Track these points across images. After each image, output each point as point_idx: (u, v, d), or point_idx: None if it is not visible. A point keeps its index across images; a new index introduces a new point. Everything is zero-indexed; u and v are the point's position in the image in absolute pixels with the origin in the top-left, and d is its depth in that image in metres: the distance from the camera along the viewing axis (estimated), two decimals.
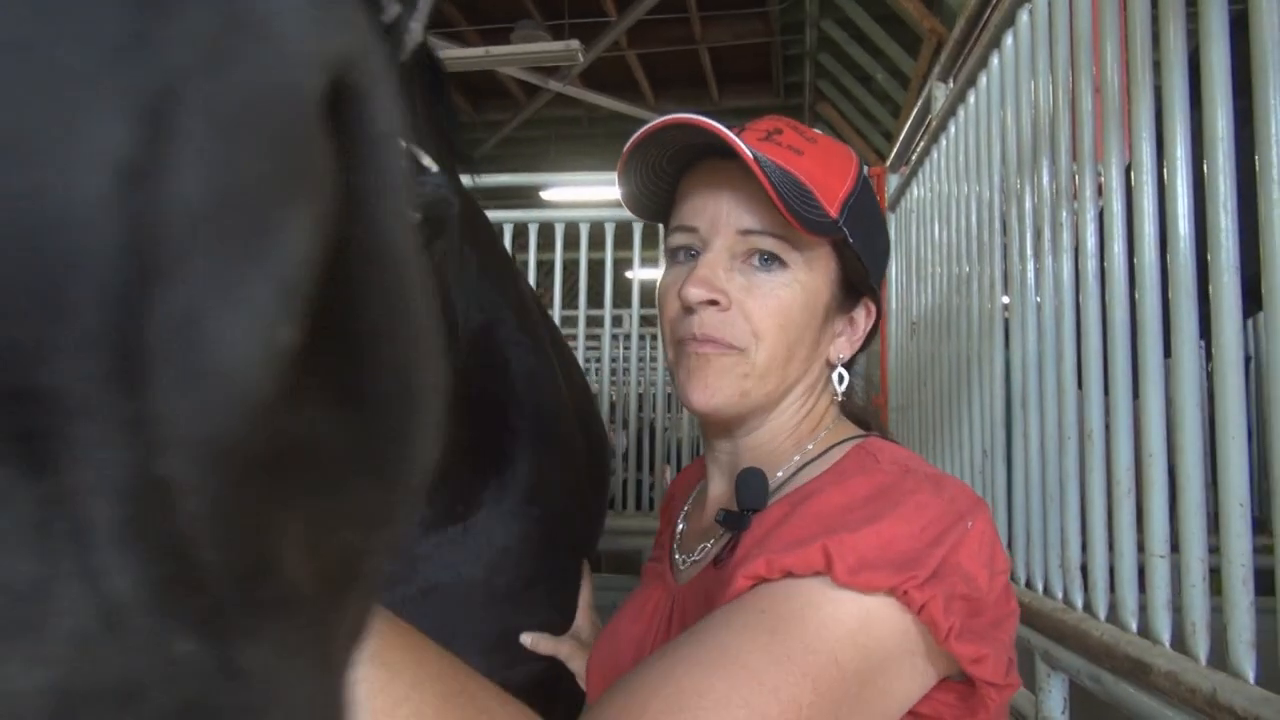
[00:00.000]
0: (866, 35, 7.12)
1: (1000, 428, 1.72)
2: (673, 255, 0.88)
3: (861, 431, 0.88)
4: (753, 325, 0.81)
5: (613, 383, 4.43)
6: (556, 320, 3.22)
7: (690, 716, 0.59)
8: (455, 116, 1.03)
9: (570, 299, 3.57)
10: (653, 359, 3.72)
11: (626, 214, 3.13)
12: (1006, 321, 1.71)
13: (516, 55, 6.51)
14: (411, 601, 0.84)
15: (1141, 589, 1.16)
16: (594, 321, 3.26)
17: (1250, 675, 0.92)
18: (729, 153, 0.79)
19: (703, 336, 0.81)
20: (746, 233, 0.82)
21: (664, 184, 0.89)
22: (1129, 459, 1.19)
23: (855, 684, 0.64)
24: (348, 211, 0.21)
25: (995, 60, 1.76)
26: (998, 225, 1.77)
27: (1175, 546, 1.07)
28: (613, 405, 4.28)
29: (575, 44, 6.24)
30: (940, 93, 2.22)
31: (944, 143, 2.18)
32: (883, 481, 0.73)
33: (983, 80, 1.85)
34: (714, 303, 0.81)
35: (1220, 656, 0.97)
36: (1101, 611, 1.27)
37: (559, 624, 1.14)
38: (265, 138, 0.18)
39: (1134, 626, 1.18)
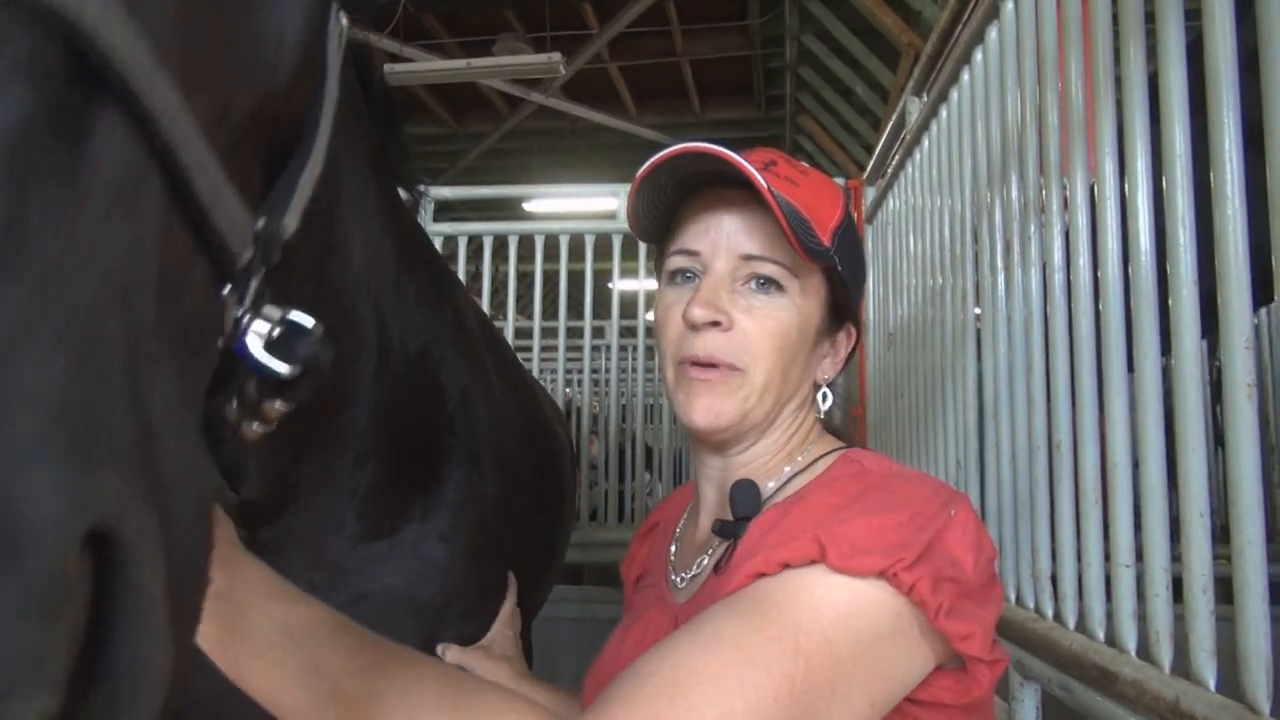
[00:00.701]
0: (846, 49, 7.19)
1: (974, 438, 1.74)
2: (671, 277, 0.92)
3: (843, 444, 0.93)
4: (751, 347, 0.86)
5: (594, 394, 4.43)
6: (536, 332, 3.22)
7: (685, 691, 0.64)
8: (405, 148, 1.11)
9: (551, 310, 3.57)
10: (635, 371, 3.72)
11: (606, 225, 3.16)
12: (979, 333, 1.73)
13: (498, 67, 6.53)
14: (340, 610, 0.88)
15: (1109, 598, 1.18)
16: (574, 333, 3.26)
17: (1211, 683, 0.93)
18: (732, 181, 0.84)
19: (705, 357, 0.86)
20: (749, 258, 0.87)
21: (664, 208, 0.93)
22: (1094, 470, 1.21)
23: (849, 663, 0.68)
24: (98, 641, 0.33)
25: (966, 75, 1.79)
26: (969, 238, 1.79)
27: (1141, 556, 1.09)
28: (594, 417, 4.28)
29: (557, 56, 6.27)
30: (914, 106, 2.24)
31: (918, 156, 2.20)
32: (870, 481, 0.78)
33: (954, 95, 1.87)
34: (717, 323, 0.85)
35: (1184, 664, 0.98)
36: (1071, 621, 1.28)
37: (481, 636, 1.16)
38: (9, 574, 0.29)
39: (1101, 635, 1.20)
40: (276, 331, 0.53)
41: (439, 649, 1.08)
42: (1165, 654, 1.02)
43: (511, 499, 1.28)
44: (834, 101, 8.14)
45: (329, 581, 1.04)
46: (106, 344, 0.35)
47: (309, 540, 1.02)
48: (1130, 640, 1.11)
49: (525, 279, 3.51)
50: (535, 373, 3.46)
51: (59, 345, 0.32)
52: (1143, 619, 1.08)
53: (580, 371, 3.44)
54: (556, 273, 3.16)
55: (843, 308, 0.92)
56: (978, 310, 1.73)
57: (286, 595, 0.71)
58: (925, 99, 2.12)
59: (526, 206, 8.08)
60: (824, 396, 0.94)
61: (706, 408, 0.86)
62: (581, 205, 5.96)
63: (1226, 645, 0.92)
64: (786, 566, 0.72)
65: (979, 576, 0.73)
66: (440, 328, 1.19)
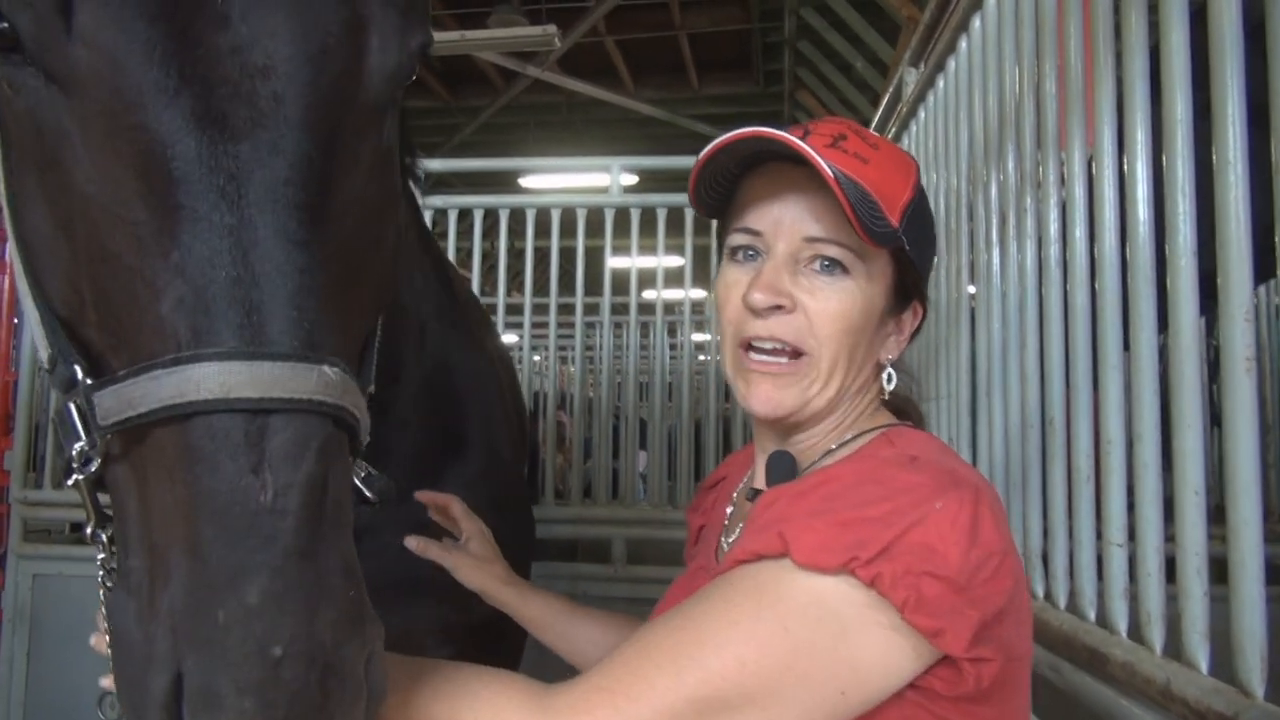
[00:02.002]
0: (845, 22, 7.10)
1: (966, 415, 1.71)
2: (732, 254, 0.90)
3: (893, 421, 0.92)
4: (815, 329, 0.84)
5: (588, 370, 4.41)
6: (527, 308, 3.19)
7: (646, 663, 0.73)
8: (415, 154, 1.25)
9: (543, 286, 3.54)
10: (628, 348, 3.69)
11: (599, 199, 3.11)
12: (973, 312, 1.70)
13: (493, 40, 6.44)
14: (375, 555, 1.04)
15: (1100, 577, 1.16)
16: (566, 309, 3.23)
17: (1203, 666, 0.91)
18: (794, 157, 0.82)
19: (768, 336, 0.85)
20: (812, 240, 0.85)
21: (727, 182, 0.91)
22: (1089, 446, 1.18)
23: (806, 649, 0.70)
24: None
25: (964, 44, 1.75)
26: (964, 213, 1.75)
27: (1134, 535, 1.06)
28: (587, 397, 4.25)
29: (552, 29, 6.18)
30: (911, 77, 2.20)
31: (914, 128, 2.16)
32: (868, 470, 0.78)
33: (951, 64, 1.83)
34: (779, 307, 0.84)
35: (1176, 646, 0.96)
36: (1061, 600, 1.27)
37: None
38: None
39: (1092, 616, 1.18)
40: (363, 474, 0.73)
41: (410, 541, 1.14)
42: (1157, 635, 1.00)
43: (506, 450, 1.46)
44: (833, 76, 8.05)
45: (373, 529, 1.17)
46: (354, 563, 0.62)
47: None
48: (1121, 621, 1.09)
49: (518, 255, 3.46)
50: (526, 349, 3.42)
51: (348, 579, 0.60)
52: (1134, 599, 1.06)
53: (572, 349, 3.41)
54: (549, 249, 3.12)
55: (909, 286, 0.90)
56: (972, 289, 1.70)
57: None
58: (922, 69, 2.08)
59: (522, 182, 8.02)
60: (889, 378, 0.91)
61: (765, 397, 0.86)
62: (575, 181, 5.91)
63: (1219, 627, 0.90)
64: (759, 556, 0.75)
65: (971, 571, 0.70)
66: (449, 305, 1.34)
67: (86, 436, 0.62)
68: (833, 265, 0.85)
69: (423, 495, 1.18)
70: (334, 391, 0.61)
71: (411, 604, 1.16)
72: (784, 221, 0.85)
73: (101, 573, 0.71)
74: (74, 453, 0.62)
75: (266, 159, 0.60)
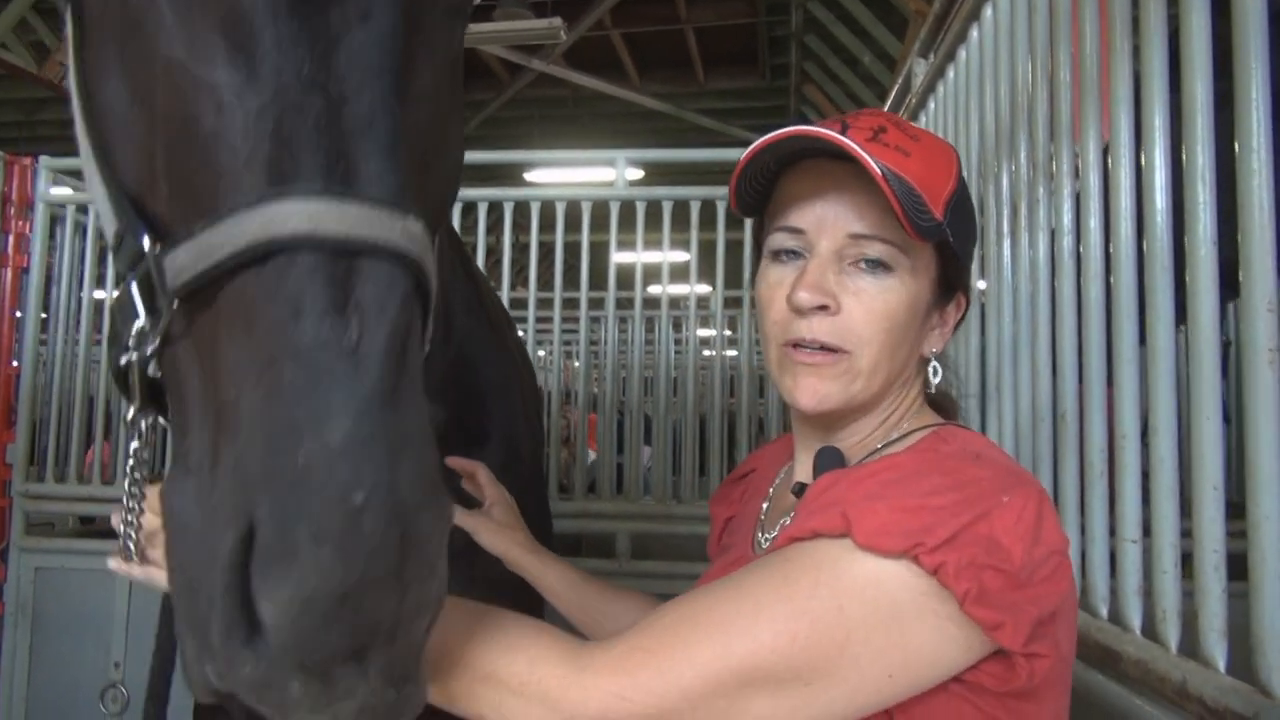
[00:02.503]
0: (853, 16, 7.06)
1: (976, 410, 1.69)
2: (775, 255, 0.89)
3: (940, 420, 0.91)
4: (859, 330, 0.83)
5: (593, 366, 4.39)
6: (531, 303, 3.17)
7: (691, 629, 0.71)
8: None
9: (547, 281, 3.52)
10: (633, 343, 3.67)
11: (603, 193, 3.09)
12: (983, 306, 1.68)
13: (498, 33, 6.42)
14: None
15: (1113, 574, 1.13)
16: (570, 304, 3.21)
17: (1221, 664, 0.89)
18: (836, 153, 0.81)
19: (811, 340, 0.84)
20: (856, 237, 0.83)
21: (766, 180, 0.90)
22: (1102, 441, 1.16)
23: (860, 630, 0.69)
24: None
25: (975, 33, 1.72)
26: (975, 205, 1.73)
27: (1148, 531, 1.04)
28: (591, 392, 4.23)
29: (558, 22, 6.15)
30: (920, 68, 2.17)
31: (923, 120, 2.14)
32: (934, 460, 0.77)
33: (962, 55, 1.80)
34: (824, 307, 0.83)
35: (1191, 644, 0.94)
36: None
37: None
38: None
39: (1104, 613, 1.16)
40: None
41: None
42: (1172, 633, 0.98)
43: (524, 432, 1.48)
44: (840, 71, 8.00)
45: None
46: (429, 429, 0.58)
47: None
48: (1135, 618, 1.07)
49: (522, 249, 3.45)
50: (530, 345, 3.41)
51: (424, 440, 0.57)
52: (1148, 596, 1.04)
53: (577, 343, 3.39)
54: (553, 243, 3.10)
55: (953, 279, 0.89)
56: (982, 284, 1.68)
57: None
58: (932, 59, 2.05)
59: (527, 177, 7.99)
60: (934, 371, 0.91)
61: (811, 390, 0.85)
62: (580, 175, 5.88)
63: (1237, 625, 0.88)
64: (818, 534, 0.74)
65: (1032, 568, 0.71)
66: (474, 300, 1.36)
67: (149, 313, 0.59)
68: (877, 265, 0.84)
69: (452, 461, 1.19)
70: (418, 246, 0.59)
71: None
72: (827, 219, 0.84)
73: (131, 462, 0.68)
74: (132, 333, 0.60)
75: (356, 23, 0.60)
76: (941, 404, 0.94)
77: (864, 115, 0.87)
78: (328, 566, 0.50)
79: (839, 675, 0.70)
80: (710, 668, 0.69)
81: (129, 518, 0.71)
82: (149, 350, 0.60)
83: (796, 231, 0.86)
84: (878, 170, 0.78)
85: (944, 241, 0.85)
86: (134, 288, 0.60)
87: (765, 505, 1.00)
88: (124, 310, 0.61)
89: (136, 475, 0.68)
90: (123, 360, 0.62)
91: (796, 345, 0.85)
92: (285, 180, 0.56)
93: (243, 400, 0.54)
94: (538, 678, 0.71)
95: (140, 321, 0.60)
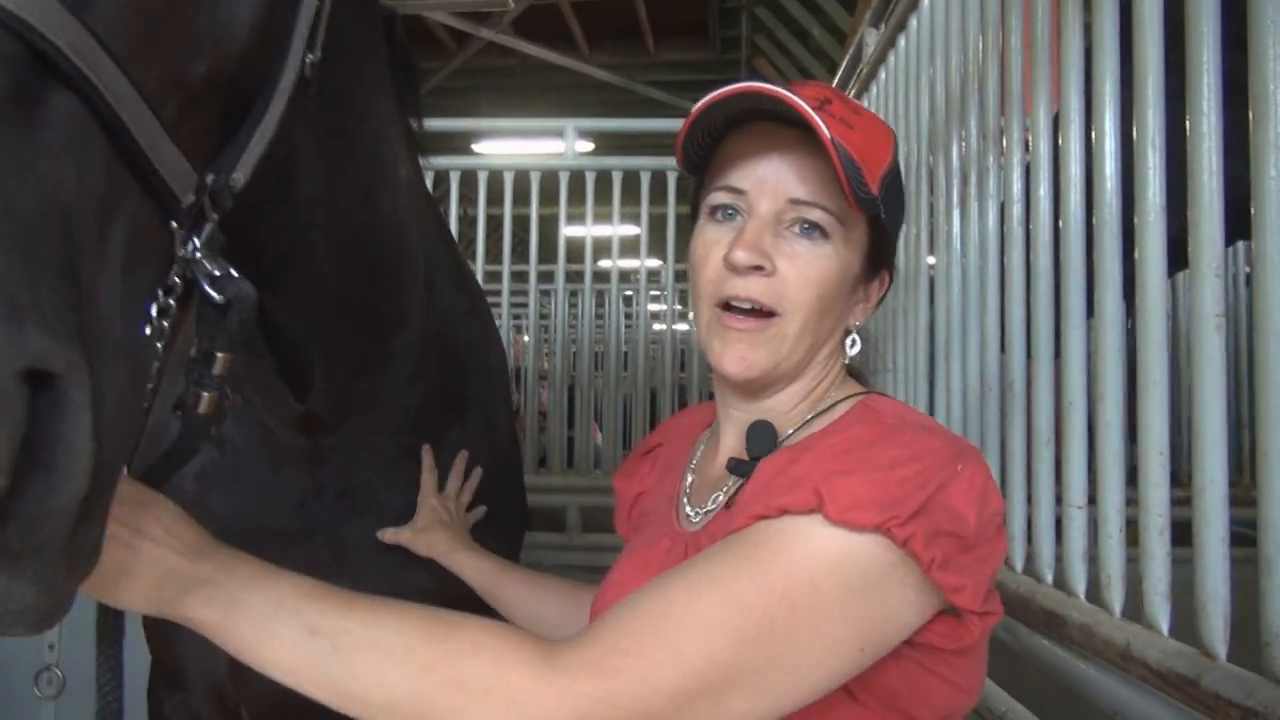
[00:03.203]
0: None
1: (924, 380, 1.70)
2: (711, 213, 0.89)
3: (863, 389, 0.93)
4: (791, 294, 0.84)
5: (543, 340, 4.35)
6: (480, 276, 3.11)
7: (671, 624, 0.69)
8: (421, 114, 1.31)
9: (494, 254, 3.45)
10: (582, 318, 3.63)
11: (553, 164, 3.03)
12: (932, 277, 1.68)
13: None
14: (372, 513, 1.16)
15: (1058, 541, 1.15)
16: (519, 277, 3.16)
17: (1164, 627, 0.90)
18: (782, 117, 0.81)
19: (745, 297, 0.84)
20: (796, 202, 0.84)
21: (711, 140, 0.90)
22: (1049, 409, 1.17)
23: (836, 608, 0.70)
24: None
25: (926, 2, 1.71)
26: (924, 177, 1.73)
27: (1093, 499, 1.05)
28: (541, 367, 4.19)
29: None
30: (872, 38, 2.16)
31: (874, 90, 2.13)
32: (880, 431, 0.79)
33: (913, 23, 1.79)
34: (760, 268, 0.84)
35: (1135, 609, 0.95)
36: (1019, 563, 1.26)
37: (492, 546, 1.30)
38: None
39: (1049, 578, 1.17)
40: (218, 274, 0.67)
41: (383, 533, 1.24)
42: (1116, 597, 0.99)
43: (498, 419, 1.47)
44: (790, 44, 8.00)
45: (373, 485, 1.23)
46: (42, 241, 0.49)
47: (366, 447, 1.18)
48: (1080, 583, 1.09)
49: (470, 222, 3.38)
50: None
51: (4, 246, 0.46)
52: (1092, 561, 1.05)
53: (526, 318, 3.35)
54: (501, 215, 3.05)
55: (881, 255, 0.92)
56: (931, 260, 1.68)
57: (269, 573, 0.75)
58: (883, 29, 2.04)
59: (475, 148, 7.85)
60: (853, 343, 0.93)
61: (739, 357, 0.86)
62: (530, 146, 5.78)
63: (1181, 590, 0.89)
64: (786, 512, 0.73)
65: (981, 531, 0.74)
66: (455, 271, 1.37)
67: None
68: (813, 229, 0.85)
69: (389, 536, 1.25)
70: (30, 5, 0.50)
71: (404, 567, 1.22)
72: (769, 181, 0.85)
73: None
74: None
75: None
76: (857, 374, 0.96)
77: (809, 85, 0.87)
78: None
79: (816, 657, 0.70)
80: (693, 665, 0.68)
81: None
82: None
83: (737, 191, 0.86)
84: (827, 134, 0.78)
85: (876, 216, 0.86)
86: None
87: (689, 479, 0.99)
88: None
89: None
90: None
91: (728, 306, 0.86)
92: None
93: None
94: (505, 682, 0.67)
95: None
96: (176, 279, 0.64)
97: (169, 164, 0.59)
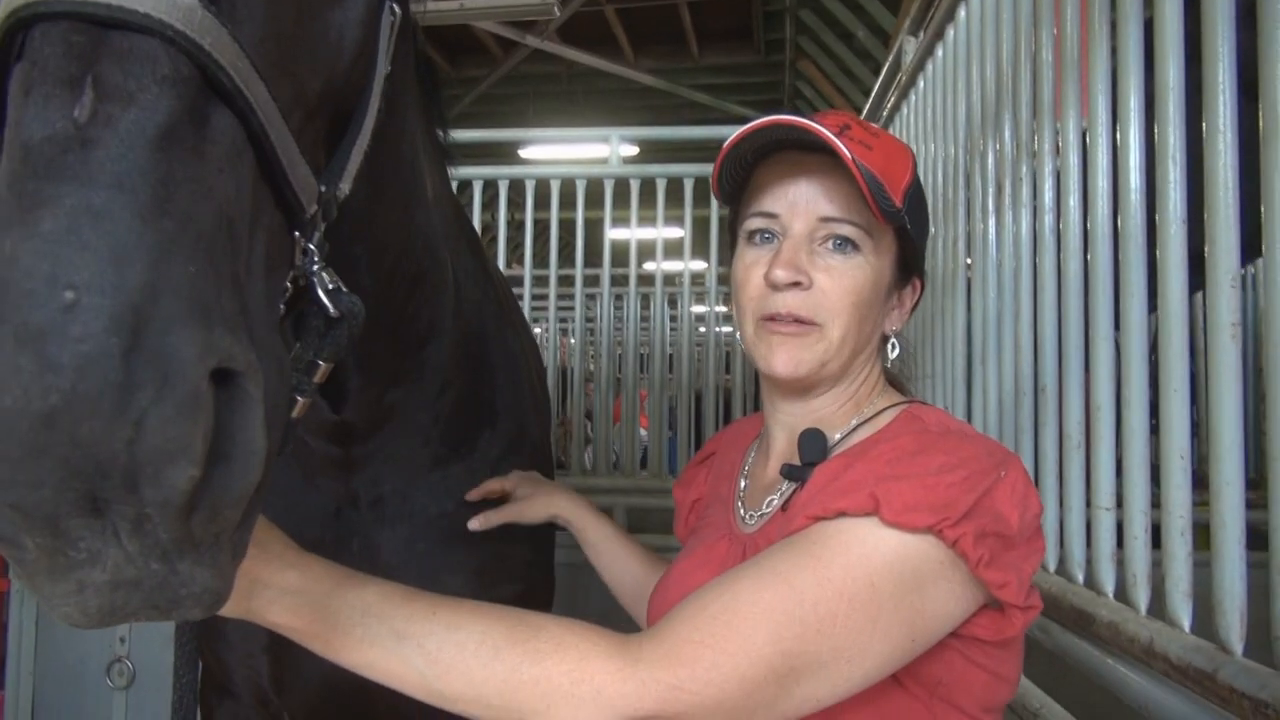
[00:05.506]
0: None
1: (962, 384, 1.73)
2: (749, 237, 0.96)
3: (905, 398, 1.00)
4: (829, 304, 0.91)
5: (589, 342, 4.41)
6: (527, 280, 3.19)
7: (740, 618, 0.74)
8: (445, 120, 1.28)
9: (541, 259, 3.53)
10: (628, 319, 3.70)
11: (598, 170, 3.10)
12: (969, 281, 1.71)
13: (491, 8, 6.36)
14: (406, 520, 1.16)
15: (1088, 542, 1.18)
16: (565, 281, 3.23)
17: (1186, 624, 0.93)
18: (809, 146, 0.89)
19: (786, 313, 0.91)
20: (827, 219, 0.91)
21: (742, 171, 0.98)
22: (1079, 413, 1.20)
23: (890, 603, 0.75)
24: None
25: (962, 12, 1.74)
26: (961, 183, 1.75)
27: (1121, 502, 1.08)
28: (587, 369, 4.26)
29: None
30: (910, 46, 2.19)
31: (913, 98, 2.16)
32: (927, 439, 0.84)
33: (950, 33, 1.82)
34: (798, 284, 0.90)
35: (1160, 607, 0.98)
36: (1051, 564, 1.29)
37: (525, 552, 1.33)
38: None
39: (1080, 578, 1.20)
40: (331, 286, 0.71)
41: (471, 523, 1.23)
42: (1142, 596, 1.02)
43: (534, 421, 1.47)
44: (834, 46, 7.96)
45: (405, 494, 1.22)
46: (216, 249, 0.52)
47: (398, 456, 1.19)
48: (1108, 583, 1.12)
49: (518, 227, 3.46)
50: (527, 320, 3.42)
51: (192, 254, 0.50)
52: (1121, 563, 1.08)
53: (572, 320, 3.42)
54: (549, 220, 3.12)
55: (910, 263, 0.97)
56: (969, 260, 1.71)
57: (355, 580, 0.79)
58: (921, 37, 2.07)
59: (522, 154, 7.97)
60: (892, 347, 0.99)
61: (787, 358, 0.91)
62: (575, 152, 5.86)
63: (1203, 590, 0.92)
64: (843, 515, 0.79)
65: (1023, 531, 0.79)
66: (484, 279, 1.38)
67: None
68: (845, 243, 0.91)
69: (474, 495, 1.25)
70: (198, 25, 0.53)
71: (441, 575, 1.22)
72: (800, 203, 0.91)
73: None
74: None
75: None
76: (896, 382, 1.02)
77: (830, 115, 0.94)
78: (27, 374, 0.43)
79: (873, 649, 0.76)
80: (762, 654, 0.73)
81: None
82: None
83: (770, 215, 0.93)
84: (848, 155, 0.84)
85: (903, 227, 0.92)
86: None
87: (742, 484, 1.05)
88: None
89: None
90: None
91: (772, 319, 0.92)
92: None
93: None
94: (589, 674, 0.72)
95: None
96: (289, 285, 0.67)
97: (299, 176, 0.63)
